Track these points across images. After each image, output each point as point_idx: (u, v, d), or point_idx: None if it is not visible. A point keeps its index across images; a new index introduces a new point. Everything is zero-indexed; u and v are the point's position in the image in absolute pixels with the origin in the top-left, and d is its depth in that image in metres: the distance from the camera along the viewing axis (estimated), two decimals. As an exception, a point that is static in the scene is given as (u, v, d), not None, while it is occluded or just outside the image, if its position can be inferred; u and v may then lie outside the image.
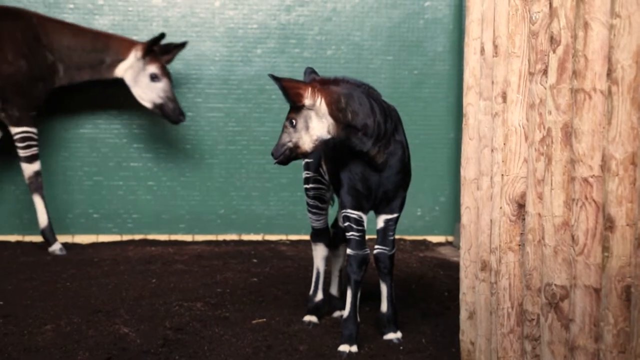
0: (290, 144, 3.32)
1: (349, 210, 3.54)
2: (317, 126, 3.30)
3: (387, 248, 3.62)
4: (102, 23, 5.95)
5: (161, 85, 5.56)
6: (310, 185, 3.89)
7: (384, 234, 3.63)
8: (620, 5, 2.15)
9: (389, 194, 3.55)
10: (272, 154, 3.36)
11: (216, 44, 6.07)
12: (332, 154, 3.58)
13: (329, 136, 3.34)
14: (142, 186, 6.08)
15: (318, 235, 3.99)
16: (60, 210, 5.98)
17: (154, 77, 5.54)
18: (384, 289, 3.66)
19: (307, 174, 3.90)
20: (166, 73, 5.58)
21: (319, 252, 4.00)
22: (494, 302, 2.89)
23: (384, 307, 3.67)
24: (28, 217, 5.96)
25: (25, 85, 5.37)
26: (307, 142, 3.32)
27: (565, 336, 2.46)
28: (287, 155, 3.34)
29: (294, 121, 3.31)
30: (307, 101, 3.29)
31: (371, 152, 3.41)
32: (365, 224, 3.57)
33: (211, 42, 6.07)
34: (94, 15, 5.95)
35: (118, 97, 5.96)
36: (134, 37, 5.98)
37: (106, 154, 6.03)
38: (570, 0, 2.41)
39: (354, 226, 3.54)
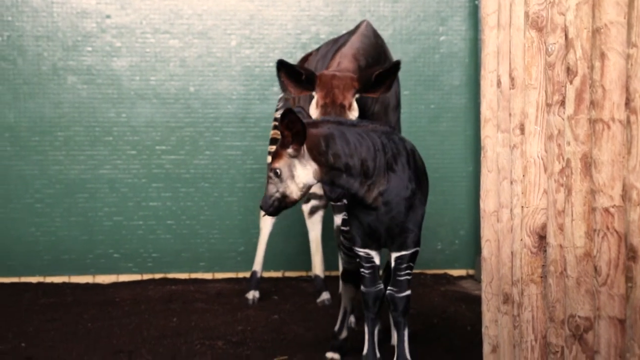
0: (277, 195, 3.23)
1: (357, 248, 3.46)
2: (302, 173, 3.21)
3: (395, 289, 3.41)
4: (120, 65, 6.01)
5: None
6: (348, 228, 3.77)
7: (394, 274, 3.43)
8: (636, 34, 2.15)
9: (392, 231, 3.36)
10: (261, 207, 3.26)
11: (233, 82, 6.11)
12: None
13: (315, 181, 3.25)
14: (161, 225, 6.10)
15: (349, 275, 3.90)
16: (80, 251, 6.00)
17: None
18: (394, 336, 3.46)
19: (345, 215, 3.80)
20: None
21: (348, 293, 3.94)
22: (517, 335, 2.87)
23: (395, 358, 3.46)
24: (48, 258, 5.98)
25: None
26: (294, 191, 3.23)
27: (590, 368, 2.43)
28: (277, 206, 3.25)
29: (278, 171, 3.21)
30: (289, 149, 3.20)
31: (359, 192, 3.29)
32: (376, 261, 3.45)
33: (228, 81, 6.11)
34: (112, 57, 6.01)
35: (136, 138, 6.02)
36: (152, 79, 6.04)
37: (125, 194, 6.06)
38: (586, 31, 2.42)
39: (364, 264, 3.46)
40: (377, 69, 3.83)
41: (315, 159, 3.21)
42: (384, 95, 4.22)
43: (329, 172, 3.23)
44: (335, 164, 3.23)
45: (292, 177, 3.21)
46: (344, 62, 4.05)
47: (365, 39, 4.28)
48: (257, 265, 5.41)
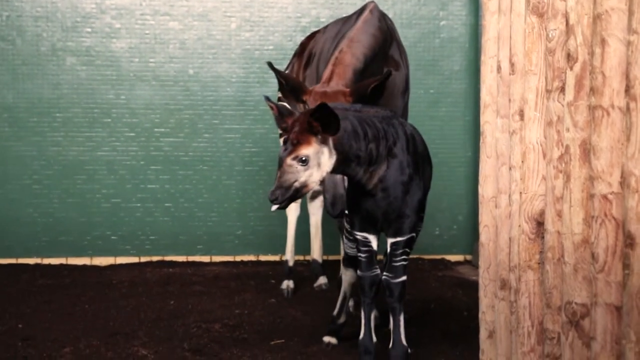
0: (297, 184, 3.02)
1: (355, 232, 3.45)
2: (327, 162, 3.06)
3: (390, 275, 3.39)
4: (119, 46, 5.99)
5: None
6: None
7: (390, 259, 3.41)
8: (637, 21, 2.14)
9: (389, 215, 3.34)
10: (275, 199, 3.00)
11: (232, 65, 6.09)
12: None
13: (330, 171, 3.14)
14: (159, 208, 6.09)
15: (350, 261, 3.92)
16: (78, 233, 6.00)
17: None
18: (391, 321, 3.43)
19: None
20: None
21: (348, 278, 3.96)
22: (514, 321, 2.87)
23: (391, 343, 3.45)
24: (46, 240, 5.98)
25: None
26: (316, 180, 3.07)
27: (586, 354, 2.43)
28: (293, 196, 3.04)
29: (305, 157, 3.01)
30: (319, 136, 3.05)
31: (362, 179, 3.25)
32: (373, 245, 3.43)
33: (227, 64, 6.10)
34: (111, 39, 5.99)
35: (135, 120, 6.00)
36: (151, 61, 6.02)
37: (124, 176, 6.05)
38: (587, 17, 2.41)
39: (361, 248, 3.45)
40: (373, 81, 3.71)
41: (337, 148, 3.10)
42: (392, 80, 4.18)
43: (343, 162, 3.15)
44: (349, 154, 3.16)
45: (319, 164, 3.05)
46: (338, 71, 3.92)
47: (369, 27, 4.21)
48: (288, 254, 5.29)
